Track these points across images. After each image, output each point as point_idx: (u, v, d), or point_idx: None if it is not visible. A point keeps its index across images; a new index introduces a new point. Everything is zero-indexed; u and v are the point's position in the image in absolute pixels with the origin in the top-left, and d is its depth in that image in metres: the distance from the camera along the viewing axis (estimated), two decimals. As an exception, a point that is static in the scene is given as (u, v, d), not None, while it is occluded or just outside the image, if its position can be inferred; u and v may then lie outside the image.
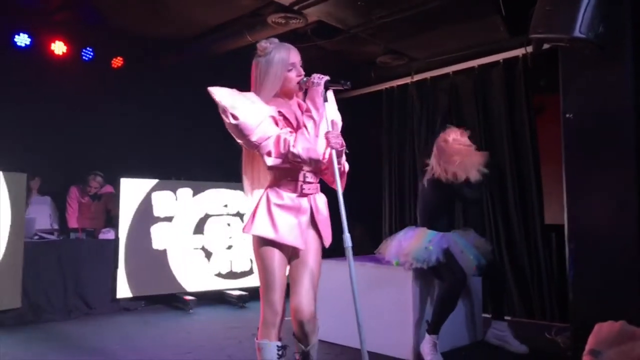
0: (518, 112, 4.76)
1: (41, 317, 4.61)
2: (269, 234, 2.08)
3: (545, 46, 3.34)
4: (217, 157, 5.94)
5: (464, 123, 5.13)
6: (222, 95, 2.06)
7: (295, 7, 4.04)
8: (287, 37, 4.74)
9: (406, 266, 3.34)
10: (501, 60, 4.85)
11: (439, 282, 3.40)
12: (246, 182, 2.30)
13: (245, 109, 2.03)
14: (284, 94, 2.19)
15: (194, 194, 5.61)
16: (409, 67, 5.51)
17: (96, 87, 5.54)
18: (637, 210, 2.65)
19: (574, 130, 2.93)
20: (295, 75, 2.16)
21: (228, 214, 5.83)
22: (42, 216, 5.43)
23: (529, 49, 4.48)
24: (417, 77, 5.61)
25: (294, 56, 2.16)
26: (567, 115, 2.96)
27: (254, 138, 2.03)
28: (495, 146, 4.88)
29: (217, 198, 5.76)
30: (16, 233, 4.54)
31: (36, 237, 4.99)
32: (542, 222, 4.55)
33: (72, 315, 4.80)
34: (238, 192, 5.86)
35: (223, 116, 2.05)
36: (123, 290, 5.08)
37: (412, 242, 3.38)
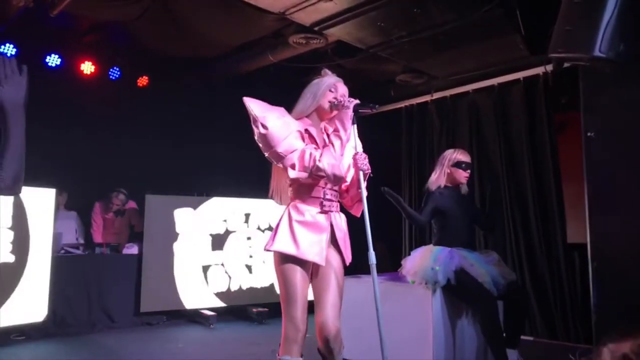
0: (539, 131, 4.74)
1: (66, 330, 4.70)
2: (290, 250, 2.11)
3: (566, 64, 3.35)
4: (240, 174, 6.05)
5: (484, 141, 5.16)
6: (254, 105, 2.16)
7: (316, 28, 4.12)
8: (307, 57, 4.87)
9: (421, 285, 3.28)
10: (521, 79, 4.85)
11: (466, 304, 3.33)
12: (275, 198, 2.37)
13: (275, 121, 2.12)
14: (318, 113, 2.29)
15: (215, 210, 5.69)
16: (428, 85, 5.54)
17: (122, 105, 5.70)
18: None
19: (595, 148, 2.91)
20: (331, 97, 2.26)
21: (249, 228, 5.88)
22: (68, 231, 5.56)
23: (549, 67, 4.48)
24: (436, 95, 5.64)
25: (341, 85, 2.31)
26: (589, 134, 2.94)
27: (280, 149, 2.10)
28: (516, 164, 4.86)
29: (237, 213, 5.83)
30: (44, 247, 4.66)
31: (62, 251, 5.11)
32: (564, 240, 4.49)
33: (96, 329, 4.88)
34: (259, 207, 5.93)
35: (253, 126, 2.15)
36: (146, 304, 5.15)
37: (417, 262, 3.31)
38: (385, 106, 6.07)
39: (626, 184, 2.78)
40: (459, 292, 3.23)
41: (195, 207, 5.57)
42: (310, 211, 2.18)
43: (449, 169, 3.43)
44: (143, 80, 5.89)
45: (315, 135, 2.22)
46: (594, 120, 2.94)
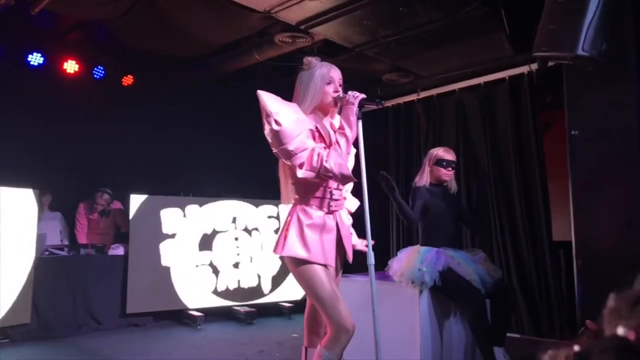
0: (524, 129, 4.77)
1: (50, 333, 4.63)
2: (301, 253, 2.11)
3: (551, 63, 3.37)
4: (226, 173, 6.02)
5: (470, 140, 5.18)
6: (269, 100, 2.11)
7: (302, 27, 4.10)
8: (294, 56, 4.85)
9: (408, 286, 3.25)
10: (507, 77, 4.88)
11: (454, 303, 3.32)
12: (283, 194, 2.33)
13: (289, 118, 2.08)
14: (321, 109, 2.24)
15: (202, 210, 5.66)
16: (415, 84, 5.55)
17: (107, 104, 5.64)
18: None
19: (579, 147, 2.94)
20: (332, 90, 2.21)
21: (236, 229, 5.86)
22: (53, 232, 5.49)
23: (534, 66, 4.51)
24: (423, 94, 5.65)
25: (334, 72, 2.24)
26: (573, 132, 2.97)
27: (291, 147, 2.06)
28: (502, 163, 4.89)
29: (225, 213, 5.80)
30: (27, 249, 4.59)
31: (47, 252, 5.04)
32: (549, 238, 4.53)
33: (81, 331, 4.83)
34: (246, 207, 5.91)
35: (266, 121, 2.09)
36: (132, 306, 5.10)
37: (404, 263, 3.28)
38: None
39: (610, 182, 2.81)
40: (447, 291, 3.22)
41: (182, 207, 5.53)
42: (318, 213, 2.18)
43: (431, 167, 3.43)
44: (128, 80, 5.83)
45: (323, 133, 2.19)
46: (578, 118, 2.96)
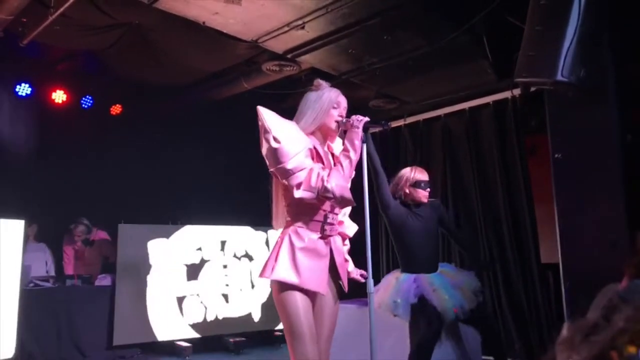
0: (509, 153, 4.83)
1: (34, 367, 4.52)
2: (292, 279, 1.99)
3: (533, 88, 3.45)
4: (215, 200, 6.00)
5: (457, 164, 5.24)
6: (268, 117, 2.05)
7: (289, 55, 4.17)
8: (281, 84, 4.91)
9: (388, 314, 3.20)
10: (491, 102, 4.97)
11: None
12: (274, 217, 2.25)
13: (288, 135, 2.01)
14: (321, 131, 2.20)
15: (190, 238, 5.61)
16: (401, 110, 5.63)
17: (95, 134, 5.63)
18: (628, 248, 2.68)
19: (563, 170, 2.99)
20: (337, 114, 2.18)
21: (225, 256, 5.81)
22: (38, 263, 5.40)
23: (517, 91, 4.60)
24: (409, 120, 5.72)
25: (342, 99, 2.22)
26: (556, 156, 3.02)
27: (289, 166, 1.98)
28: (489, 186, 4.94)
29: (214, 239, 5.76)
30: (12, 281, 4.51)
31: (31, 284, 4.95)
32: (538, 261, 4.55)
33: (66, 365, 4.71)
34: (235, 234, 5.87)
35: (264, 138, 2.03)
36: (119, 337, 5.00)
37: (381, 293, 3.21)
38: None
39: (593, 204, 2.85)
40: (416, 317, 3.16)
41: (168, 236, 5.48)
42: (311, 236, 2.06)
43: (408, 189, 3.34)
44: (116, 109, 5.85)
45: (322, 154, 2.13)
46: (561, 142, 3.01)
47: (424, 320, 3.11)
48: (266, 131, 2.01)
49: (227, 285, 5.76)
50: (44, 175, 5.40)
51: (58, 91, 5.38)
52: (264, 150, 2.05)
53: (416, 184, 3.33)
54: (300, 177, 2.00)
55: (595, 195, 2.86)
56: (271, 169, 2.07)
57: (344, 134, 2.19)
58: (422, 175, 3.37)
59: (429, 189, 3.37)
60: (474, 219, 4.93)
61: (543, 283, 4.52)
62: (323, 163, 2.11)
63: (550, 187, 3.14)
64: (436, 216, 3.40)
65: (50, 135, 5.38)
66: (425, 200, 3.35)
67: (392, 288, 3.21)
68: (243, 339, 5.46)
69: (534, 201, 4.63)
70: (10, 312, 4.45)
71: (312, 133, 2.17)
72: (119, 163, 5.72)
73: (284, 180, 2.04)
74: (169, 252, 5.45)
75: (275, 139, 1.98)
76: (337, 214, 2.18)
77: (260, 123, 2.06)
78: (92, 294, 5.15)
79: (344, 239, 2.35)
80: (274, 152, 1.99)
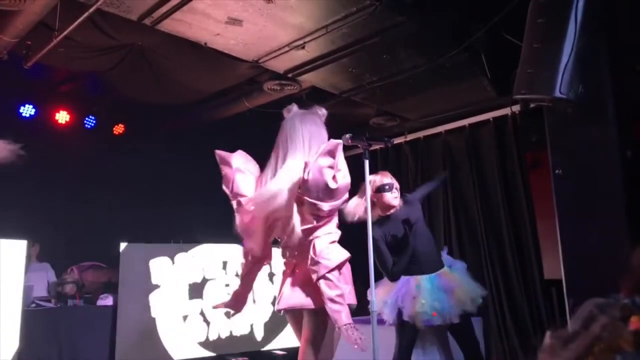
0: (510, 169, 4.85)
1: (35, 389, 4.47)
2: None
3: (532, 105, 3.47)
4: (217, 219, 5.98)
5: (458, 180, 5.25)
6: (341, 155, 2.24)
7: (290, 75, 4.21)
8: (283, 102, 4.93)
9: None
10: (491, 119, 5.00)
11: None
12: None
13: (345, 179, 2.27)
14: None
15: (192, 257, 5.60)
16: (402, 127, 5.66)
17: (98, 154, 5.67)
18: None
19: (563, 185, 2.99)
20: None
21: (227, 275, 5.79)
22: (41, 283, 5.38)
23: (516, 107, 4.64)
24: (410, 137, 5.75)
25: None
26: (557, 171, 3.03)
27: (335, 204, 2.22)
28: (491, 202, 4.94)
29: (215, 258, 5.74)
30: (13, 301, 4.49)
31: (33, 305, 4.93)
32: (541, 277, 4.53)
33: (67, 386, 4.67)
34: (236, 254, 5.85)
35: (327, 168, 2.18)
36: (120, 358, 4.96)
37: (379, 290, 3.08)
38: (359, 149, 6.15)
39: (594, 220, 2.85)
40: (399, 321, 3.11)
41: (172, 256, 5.47)
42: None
43: (375, 197, 3.13)
44: (119, 129, 5.89)
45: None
46: (561, 157, 3.03)
47: (400, 331, 3.08)
48: (335, 166, 2.17)
49: (229, 303, 5.71)
50: (47, 196, 5.42)
51: (61, 112, 5.43)
52: (314, 179, 2.16)
53: (380, 189, 3.13)
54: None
55: (595, 211, 2.86)
56: (312, 200, 2.19)
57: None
58: (384, 178, 3.18)
59: (395, 190, 3.17)
60: (476, 236, 4.92)
61: (547, 299, 4.49)
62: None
63: (551, 203, 3.13)
64: (417, 210, 3.25)
65: (54, 156, 5.40)
66: (395, 203, 3.17)
67: (388, 287, 3.15)
68: (245, 358, 5.42)
69: (537, 217, 4.62)
70: (12, 332, 4.43)
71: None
72: (121, 182, 5.74)
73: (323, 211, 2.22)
74: (172, 272, 5.43)
75: (335, 178, 2.16)
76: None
77: (330, 154, 2.15)
78: (94, 314, 5.11)
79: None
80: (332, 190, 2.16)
